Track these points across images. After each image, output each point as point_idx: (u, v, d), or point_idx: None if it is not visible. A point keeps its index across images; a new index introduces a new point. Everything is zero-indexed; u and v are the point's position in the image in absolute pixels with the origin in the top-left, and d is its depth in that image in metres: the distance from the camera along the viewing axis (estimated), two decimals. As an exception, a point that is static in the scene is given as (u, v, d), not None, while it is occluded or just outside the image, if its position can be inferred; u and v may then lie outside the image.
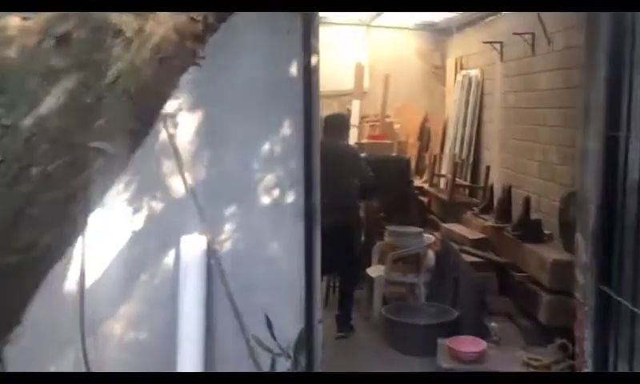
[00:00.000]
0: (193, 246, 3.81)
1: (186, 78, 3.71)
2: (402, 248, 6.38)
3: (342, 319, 6.28)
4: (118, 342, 3.93)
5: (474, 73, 9.66)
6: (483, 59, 9.44)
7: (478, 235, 6.55)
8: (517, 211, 6.49)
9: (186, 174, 3.87)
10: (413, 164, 10.70)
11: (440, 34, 11.33)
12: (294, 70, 3.89)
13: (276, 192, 3.95)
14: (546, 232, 6.15)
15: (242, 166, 3.93)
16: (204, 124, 3.89)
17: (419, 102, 11.21)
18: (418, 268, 6.42)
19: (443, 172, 9.55)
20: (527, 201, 6.12)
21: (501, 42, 8.58)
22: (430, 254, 6.81)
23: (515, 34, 7.78)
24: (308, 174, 3.89)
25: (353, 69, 10.83)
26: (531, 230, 5.93)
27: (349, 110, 10.68)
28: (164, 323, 3.86)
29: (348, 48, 11.02)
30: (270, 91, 3.91)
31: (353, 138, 10.27)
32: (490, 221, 6.61)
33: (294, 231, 3.96)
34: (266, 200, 3.96)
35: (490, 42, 8.80)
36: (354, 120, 10.51)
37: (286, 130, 3.92)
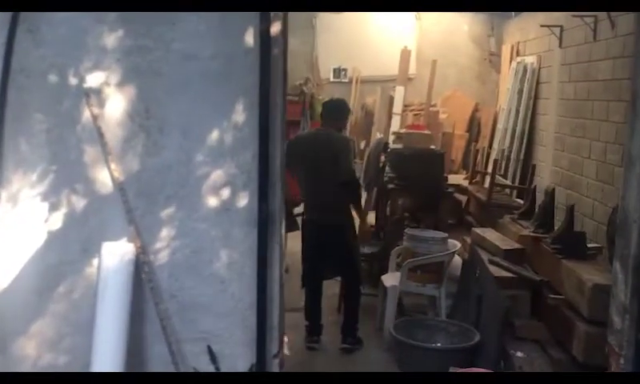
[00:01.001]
0: (116, 254, 2.96)
1: (113, 44, 2.88)
2: (422, 255, 5.38)
3: (345, 329, 5.37)
4: (32, 364, 3.12)
5: (530, 60, 8.52)
6: (541, 45, 8.32)
7: (513, 245, 5.47)
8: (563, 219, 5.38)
9: (114, 165, 3.01)
10: (459, 157, 9.65)
11: (497, 17, 10.15)
12: (250, 38, 2.96)
13: (226, 192, 3.05)
14: (595, 245, 5.04)
15: (182, 158, 3.03)
16: (136, 103, 3.01)
17: (471, 91, 10.12)
18: (440, 278, 5.41)
19: (490, 168, 8.42)
20: (571, 209, 5.00)
21: (560, 26, 7.45)
22: (458, 261, 5.79)
23: (575, 15, 6.64)
24: (263, 171, 2.97)
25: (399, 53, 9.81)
26: (573, 244, 4.82)
27: (392, 97, 9.69)
28: (87, 346, 3.02)
29: (395, 31, 9.99)
30: (219, 64, 3.00)
31: (394, 127, 9.29)
32: (528, 228, 5.52)
33: (248, 242, 3.05)
34: (213, 202, 3.06)
35: (549, 26, 7.66)
36: (397, 108, 9.52)
37: (239, 114, 3.00)
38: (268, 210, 2.98)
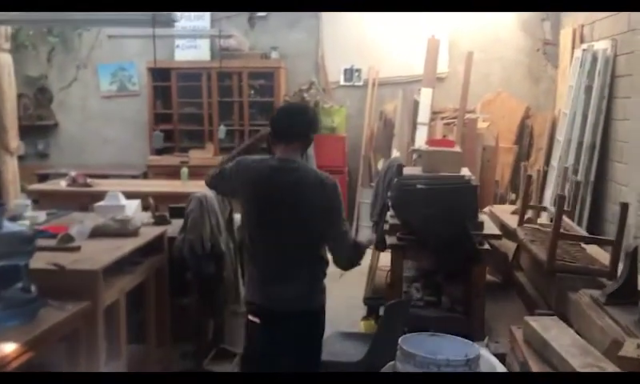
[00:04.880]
0: None
1: None
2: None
3: None
4: None
5: (602, 45, 5.58)
6: (616, 25, 5.46)
7: (602, 368, 2.58)
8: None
9: None
10: (507, 177, 6.71)
11: (554, -5, 7.19)
12: None
13: None
14: None
15: None
16: None
17: (520, 92, 7.21)
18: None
19: (547, 199, 5.44)
20: None
21: (645, -6, 4.53)
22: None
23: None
24: None
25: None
26: None
27: (416, 102, 6.82)
28: None
29: (422, 20, 7.13)
30: None
31: (420, 140, 6.43)
32: (629, 331, 2.65)
33: None
34: None
35: (628, -5, 4.74)
36: (424, 116, 6.64)
37: None
38: None
